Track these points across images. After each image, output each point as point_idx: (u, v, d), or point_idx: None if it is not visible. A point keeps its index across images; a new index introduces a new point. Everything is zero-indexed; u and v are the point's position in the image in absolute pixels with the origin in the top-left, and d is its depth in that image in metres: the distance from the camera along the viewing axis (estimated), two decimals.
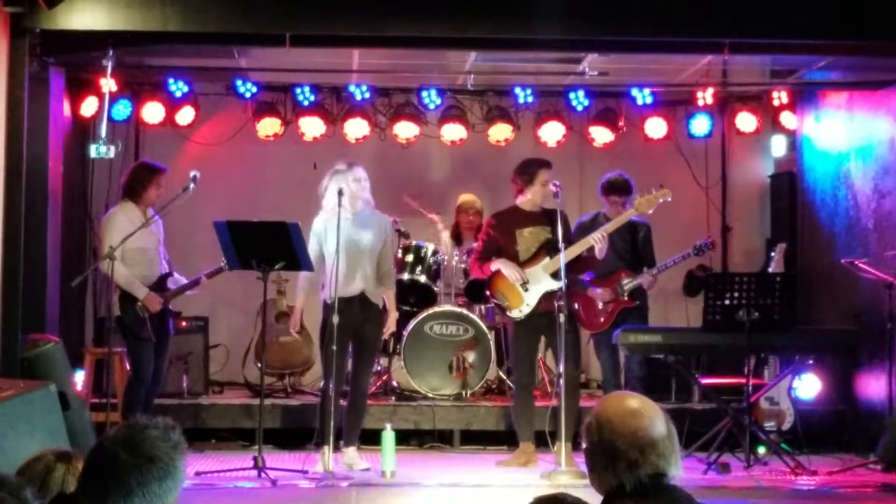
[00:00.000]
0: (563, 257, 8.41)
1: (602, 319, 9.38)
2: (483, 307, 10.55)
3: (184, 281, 8.87)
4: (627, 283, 9.40)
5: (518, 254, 8.83)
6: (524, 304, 8.78)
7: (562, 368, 8.36)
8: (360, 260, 8.48)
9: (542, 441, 8.72)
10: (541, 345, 9.37)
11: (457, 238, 10.95)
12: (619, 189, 9.64)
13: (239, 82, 10.86)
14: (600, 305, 9.39)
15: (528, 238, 8.82)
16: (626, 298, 9.40)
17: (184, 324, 10.19)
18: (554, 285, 8.61)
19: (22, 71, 8.29)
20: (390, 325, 8.80)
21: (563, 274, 8.39)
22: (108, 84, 9.14)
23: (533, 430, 8.85)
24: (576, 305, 9.18)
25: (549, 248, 8.72)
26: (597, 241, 8.65)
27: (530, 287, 8.74)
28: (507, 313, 8.89)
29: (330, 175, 8.55)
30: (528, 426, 8.87)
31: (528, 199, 8.86)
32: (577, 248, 8.70)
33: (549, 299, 8.63)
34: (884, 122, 9.84)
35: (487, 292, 9.10)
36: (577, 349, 8.84)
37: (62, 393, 6.93)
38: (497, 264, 8.81)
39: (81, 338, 11.08)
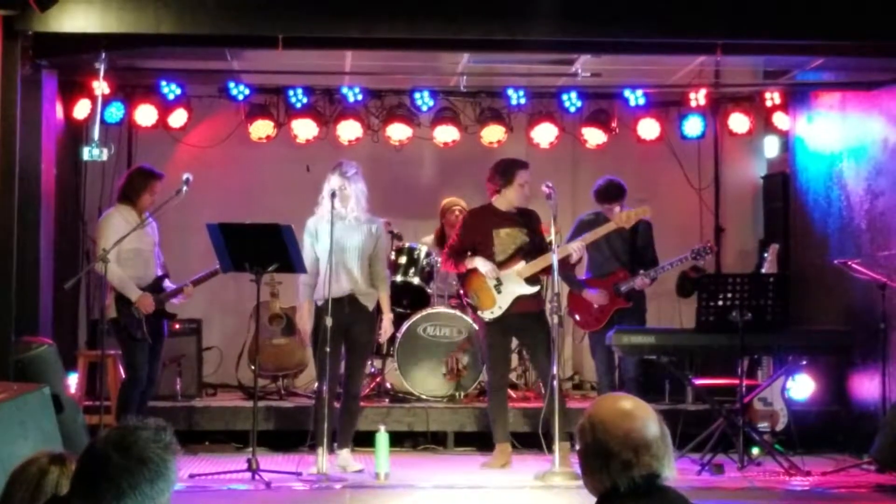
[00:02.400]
0: (555, 260, 8.39)
1: (596, 319, 9.38)
2: None
3: (173, 287, 8.86)
4: (623, 284, 9.40)
5: (494, 254, 8.81)
6: (496, 307, 8.77)
7: (555, 370, 8.35)
8: (346, 261, 8.46)
9: (537, 442, 8.72)
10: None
11: (441, 241, 10.90)
12: (609, 196, 9.62)
13: (231, 84, 10.86)
14: (595, 305, 9.39)
15: (504, 239, 8.79)
16: (621, 299, 9.41)
17: (177, 326, 10.15)
18: (527, 290, 8.62)
19: (14, 74, 8.28)
20: (387, 327, 8.76)
21: (555, 276, 8.37)
22: (100, 87, 9.13)
23: (508, 430, 8.88)
24: (571, 307, 9.20)
25: (525, 252, 8.73)
26: (575, 252, 8.69)
27: (503, 289, 8.74)
28: (479, 313, 8.91)
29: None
30: (505, 427, 8.89)
31: (504, 199, 8.83)
32: (560, 254, 8.66)
33: (522, 302, 8.67)
34: (876, 123, 9.85)
35: (461, 291, 9.12)
36: (551, 347, 8.83)
37: (55, 395, 6.93)
38: (474, 262, 8.80)
39: (75, 340, 11.07)
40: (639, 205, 9.34)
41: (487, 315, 8.82)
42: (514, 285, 8.71)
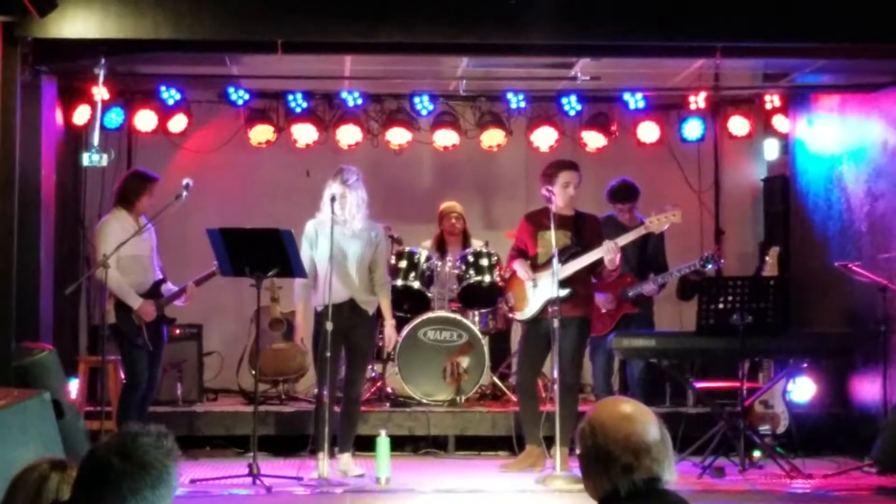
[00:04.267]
0: (556, 264, 8.36)
1: (603, 323, 9.36)
2: (476, 313, 10.55)
3: (175, 290, 8.86)
4: (631, 289, 9.38)
5: (538, 256, 8.79)
6: (526, 308, 8.80)
7: (556, 374, 8.35)
8: (345, 268, 8.46)
9: None
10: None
11: (440, 246, 10.90)
12: (622, 196, 9.63)
13: (231, 89, 10.87)
14: (603, 310, 9.37)
15: (548, 241, 8.62)
16: (629, 304, 9.39)
17: (177, 331, 10.17)
18: (555, 293, 8.55)
19: (14, 79, 8.28)
20: (390, 334, 8.79)
21: (555, 282, 8.32)
22: (100, 92, 9.11)
23: (538, 433, 8.80)
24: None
25: (569, 255, 8.61)
26: (607, 253, 8.54)
27: (536, 291, 8.72)
28: (513, 314, 9.01)
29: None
30: (532, 429, 8.83)
31: (556, 202, 8.68)
32: (587, 259, 8.60)
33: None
34: (876, 125, 9.85)
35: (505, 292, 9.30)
36: (579, 355, 8.82)
37: (56, 401, 6.91)
38: (515, 264, 8.85)
39: (75, 346, 11.08)
40: (655, 210, 9.17)
41: (518, 315, 8.93)
42: (547, 288, 8.65)
